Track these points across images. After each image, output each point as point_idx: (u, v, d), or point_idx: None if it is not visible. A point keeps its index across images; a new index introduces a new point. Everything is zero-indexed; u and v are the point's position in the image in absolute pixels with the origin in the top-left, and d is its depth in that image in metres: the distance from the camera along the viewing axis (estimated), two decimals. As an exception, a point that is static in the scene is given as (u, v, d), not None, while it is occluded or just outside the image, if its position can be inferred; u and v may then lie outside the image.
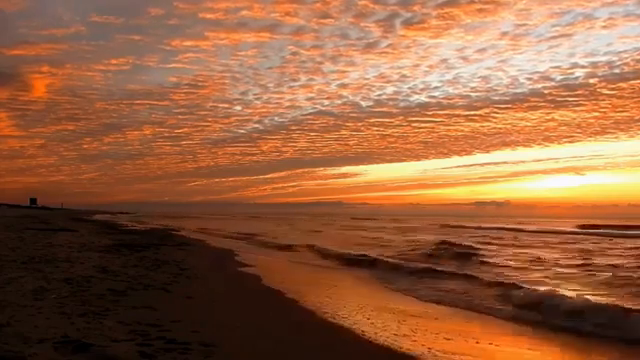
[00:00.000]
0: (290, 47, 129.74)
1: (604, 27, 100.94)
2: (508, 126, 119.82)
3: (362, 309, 9.47)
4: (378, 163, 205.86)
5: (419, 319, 8.89)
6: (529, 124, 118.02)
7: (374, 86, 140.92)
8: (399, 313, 9.34)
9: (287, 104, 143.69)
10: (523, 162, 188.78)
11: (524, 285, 11.82)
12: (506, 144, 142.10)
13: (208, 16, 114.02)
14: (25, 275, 9.93)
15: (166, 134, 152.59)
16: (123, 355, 5.19)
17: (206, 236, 33.52)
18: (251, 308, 9.03)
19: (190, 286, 10.48)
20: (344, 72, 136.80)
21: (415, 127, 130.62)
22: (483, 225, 58.60)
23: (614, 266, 16.73)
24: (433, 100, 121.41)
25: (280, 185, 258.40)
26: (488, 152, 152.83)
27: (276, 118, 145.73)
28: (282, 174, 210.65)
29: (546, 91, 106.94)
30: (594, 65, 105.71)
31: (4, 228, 26.53)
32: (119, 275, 10.97)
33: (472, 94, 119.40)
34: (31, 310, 6.92)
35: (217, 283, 11.74)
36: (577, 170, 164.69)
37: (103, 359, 5.10)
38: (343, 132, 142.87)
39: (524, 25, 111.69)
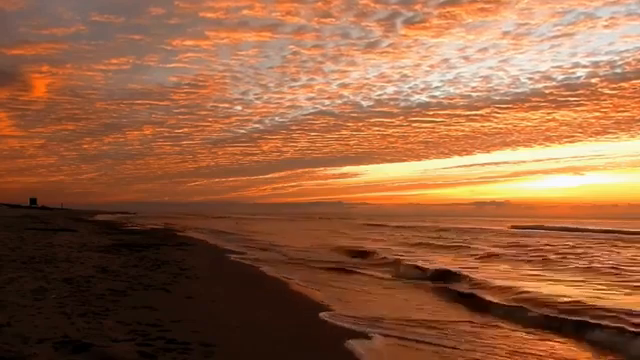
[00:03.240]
0: (291, 47, 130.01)
1: (606, 26, 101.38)
2: (509, 126, 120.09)
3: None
4: (378, 163, 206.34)
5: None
6: (530, 124, 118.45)
7: (375, 86, 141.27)
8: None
9: (288, 104, 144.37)
10: (524, 162, 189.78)
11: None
12: (507, 144, 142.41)
13: (209, 15, 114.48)
14: (25, 275, 9.93)
15: (166, 134, 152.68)
16: (123, 355, 5.19)
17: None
18: (252, 308, 9.01)
19: (190, 286, 10.48)
20: (345, 72, 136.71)
21: (416, 127, 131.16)
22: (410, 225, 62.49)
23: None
24: (434, 100, 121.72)
25: (280, 185, 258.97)
26: (489, 152, 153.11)
27: (277, 118, 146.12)
28: (282, 174, 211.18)
29: (547, 91, 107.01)
30: (596, 65, 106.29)
31: (4, 228, 26.52)
32: (119, 275, 10.97)
33: (473, 94, 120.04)
34: (31, 310, 6.92)
35: (217, 283, 11.73)
36: (577, 170, 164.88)
37: (103, 359, 5.09)
38: (344, 132, 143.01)
39: (526, 24, 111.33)
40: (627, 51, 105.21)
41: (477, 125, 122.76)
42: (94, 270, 11.42)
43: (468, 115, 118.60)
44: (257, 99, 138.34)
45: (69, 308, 7.23)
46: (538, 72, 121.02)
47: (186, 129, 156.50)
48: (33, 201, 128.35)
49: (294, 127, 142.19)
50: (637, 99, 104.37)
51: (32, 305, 7.24)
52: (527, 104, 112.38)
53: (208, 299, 9.28)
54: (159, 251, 17.89)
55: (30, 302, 7.44)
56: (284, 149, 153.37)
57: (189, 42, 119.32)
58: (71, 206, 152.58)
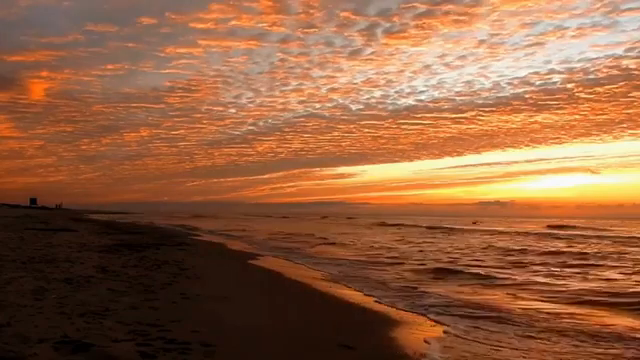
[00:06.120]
0: (278, 54, 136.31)
1: (574, 37, 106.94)
2: (494, 128, 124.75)
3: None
4: (372, 164, 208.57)
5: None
6: (515, 126, 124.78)
7: (362, 90, 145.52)
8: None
9: (280, 107, 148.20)
10: (516, 162, 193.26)
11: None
12: (496, 145, 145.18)
13: (199, 26, 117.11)
14: (25, 275, 9.93)
15: (163, 135, 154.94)
16: (123, 355, 5.19)
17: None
18: (252, 308, 9.02)
19: (190, 286, 10.47)
20: (333, 77, 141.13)
21: (405, 129, 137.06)
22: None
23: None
24: (420, 103, 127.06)
25: (278, 185, 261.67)
26: (479, 153, 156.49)
27: (270, 120, 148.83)
28: (278, 174, 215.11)
29: (527, 95, 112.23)
30: (570, 71, 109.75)
31: (4, 228, 26.51)
32: (119, 275, 10.97)
33: (457, 98, 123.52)
34: (31, 310, 6.91)
35: (217, 282, 11.73)
36: (574, 170, 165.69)
37: (103, 359, 5.09)
38: (335, 134, 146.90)
39: (498, 34, 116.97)
40: (598, 59, 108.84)
41: (463, 127, 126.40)
42: (94, 270, 11.42)
43: (454, 118, 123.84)
44: (250, 102, 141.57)
45: (69, 308, 7.22)
46: (517, 78, 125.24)
47: (182, 131, 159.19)
48: (33, 201, 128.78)
49: (287, 129, 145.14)
50: (613, 102, 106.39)
51: (32, 305, 7.24)
52: (509, 107, 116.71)
53: (208, 299, 9.27)
54: (159, 251, 17.89)
55: (30, 302, 7.44)
56: (278, 150, 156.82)
57: (182, 49, 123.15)
58: (71, 206, 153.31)
